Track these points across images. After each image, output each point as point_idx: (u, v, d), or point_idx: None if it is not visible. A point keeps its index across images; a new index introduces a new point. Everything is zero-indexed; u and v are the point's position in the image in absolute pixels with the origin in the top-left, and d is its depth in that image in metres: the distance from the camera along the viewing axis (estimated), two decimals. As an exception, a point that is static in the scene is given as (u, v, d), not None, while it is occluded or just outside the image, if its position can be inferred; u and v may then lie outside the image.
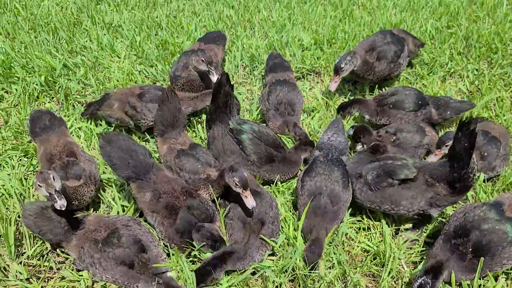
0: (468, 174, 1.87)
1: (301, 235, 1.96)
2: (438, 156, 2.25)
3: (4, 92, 2.93)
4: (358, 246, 2.00)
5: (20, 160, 2.42)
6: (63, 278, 1.86)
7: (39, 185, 1.71)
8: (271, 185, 2.32)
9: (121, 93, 2.60)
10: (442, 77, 3.17)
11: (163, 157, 2.21)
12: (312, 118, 2.81)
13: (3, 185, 2.20)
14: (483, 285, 1.78)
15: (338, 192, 1.99)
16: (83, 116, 2.67)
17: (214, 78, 2.53)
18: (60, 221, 1.84)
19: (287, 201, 2.23)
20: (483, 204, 1.90)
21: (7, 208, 2.11)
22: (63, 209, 1.72)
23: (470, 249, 1.77)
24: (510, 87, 3.03)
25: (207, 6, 4.30)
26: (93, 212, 2.15)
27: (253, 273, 1.85)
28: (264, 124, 2.39)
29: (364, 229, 2.09)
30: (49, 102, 2.90)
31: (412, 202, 1.97)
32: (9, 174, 2.27)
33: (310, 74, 3.24)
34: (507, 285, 1.84)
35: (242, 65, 3.31)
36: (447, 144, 2.18)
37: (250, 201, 1.89)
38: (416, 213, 2.01)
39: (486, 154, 2.26)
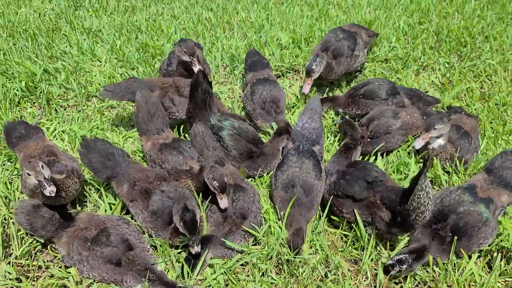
0: (407, 211, 1.79)
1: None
2: (426, 139, 2.30)
3: (-16, 99, 2.94)
4: (338, 234, 2.08)
5: (4, 164, 2.45)
6: (52, 276, 1.90)
7: (28, 173, 1.76)
8: (255, 177, 2.39)
9: (162, 82, 2.64)
10: (416, 71, 3.30)
11: (147, 153, 2.27)
12: (292, 114, 2.90)
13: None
14: (457, 263, 1.88)
15: (310, 182, 2.06)
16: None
17: (196, 68, 2.57)
18: (51, 218, 1.89)
19: (268, 193, 2.31)
20: (457, 187, 2.01)
21: (-7, 211, 2.13)
22: (53, 195, 1.78)
23: (449, 233, 1.88)
24: (479, 78, 3.18)
25: (186, 9, 4.36)
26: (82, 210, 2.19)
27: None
28: (244, 120, 2.47)
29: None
30: (30, 107, 2.92)
31: (352, 214, 2.01)
32: (-7, 178, 2.30)
33: (289, 72, 3.33)
34: (480, 262, 1.95)
35: (223, 65, 3.39)
36: (436, 127, 2.24)
37: (224, 203, 1.96)
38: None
39: (459, 148, 2.37)
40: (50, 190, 1.76)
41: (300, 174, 2.08)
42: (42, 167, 1.79)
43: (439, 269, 1.86)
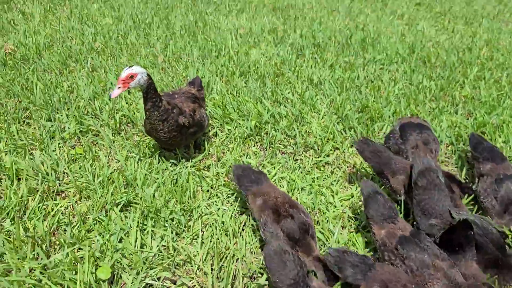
0: None
1: None
2: None
3: (218, 130, 3.41)
4: None
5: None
6: None
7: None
8: None
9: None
10: None
11: (380, 240, 2.25)
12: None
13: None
14: None
15: None
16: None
17: None
18: None
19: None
20: None
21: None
22: None
23: None
24: None
25: (404, 74, 4.43)
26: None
27: None
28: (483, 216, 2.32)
29: None
30: (254, 146, 3.27)
31: None
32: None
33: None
34: None
35: (446, 143, 3.31)
36: None
37: None
38: None
39: None
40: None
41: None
42: None
43: None
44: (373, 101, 3.81)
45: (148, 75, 2.38)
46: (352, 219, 2.54)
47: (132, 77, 2.30)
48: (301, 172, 2.95)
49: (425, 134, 2.68)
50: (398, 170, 2.49)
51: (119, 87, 2.32)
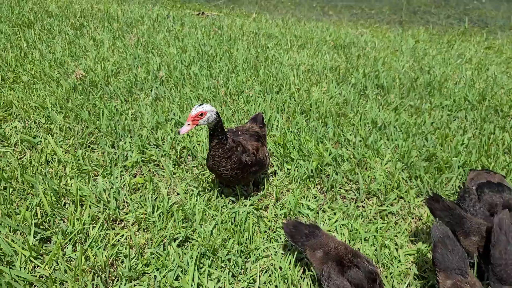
0: None
1: None
2: None
3: (278, 169, 3.38)
4: None
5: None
6: None
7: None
8: None
9: None
10: None
11: None
12: None
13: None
14: None
15: None
16: None
17: None
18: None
19: None
20: None
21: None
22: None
23: None
24: None
25: (474, 122, 4.26)
26: None
27: None
28: None
29: None
30: (313, 188, 3.21)
31: None
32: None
33: None
34: None
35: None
36: None
37: None
38: None
39: None
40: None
41: None
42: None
43: None
44: (441, 149, 3.67)
45: (217, 113, 2.41)
46: (418, 277, 2.41)
47: (202, 115, 2.33)
48: (363, 221, 2.85)
49: (508, 196, 2.53)
50: (471, 230, 2.35)
51: (188, 124, 2.35)
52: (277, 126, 4.00)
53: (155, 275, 2.22)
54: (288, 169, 3.36)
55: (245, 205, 2.86)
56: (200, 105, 2.35)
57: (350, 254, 2.15)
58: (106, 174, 3.11)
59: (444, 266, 2.06)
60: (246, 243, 2.54)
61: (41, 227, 2.52)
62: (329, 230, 2.74)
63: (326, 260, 2.15)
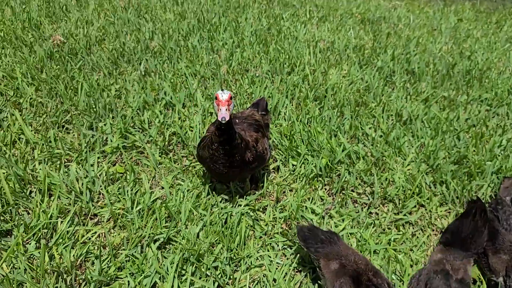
0: None
1: None
2: None
3: (281, 164, 3.41)
4: None
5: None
6: None
7: None
8: None
9: None
10: None
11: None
12: None
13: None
14: None
15: None
16: None
17: None
18: None
19: None
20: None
21: None
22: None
23: None
24: None
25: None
26: None
27: None
28: None
29: None
30: (321, 189, 3.25)
31: None
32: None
33: None
34: None
35: None
36: None
37: None
38: None
39: None
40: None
41: None
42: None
43: None
44: (474, 151, 3.68)
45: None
46: (434, 300, 2.45)
47: (232, 98, 2.30)
48: (375, 230, 2.89)
49: None
50: (503, 248, 2.40)
51: (226, 109, 2.27)
52: (284, 113, 4.03)
53: (128, 281, 2.28)
54: (293, 165, 3.39)
55: (240, 205, 2.90)
56: (222, 90, 2.29)
57: (370, 273, 2.15)
58: (80, 160, 3.16)
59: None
60: (237, 249, 2.59)
61: (1, 218, 2.58)
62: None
63: (342, 275, 2.15)
